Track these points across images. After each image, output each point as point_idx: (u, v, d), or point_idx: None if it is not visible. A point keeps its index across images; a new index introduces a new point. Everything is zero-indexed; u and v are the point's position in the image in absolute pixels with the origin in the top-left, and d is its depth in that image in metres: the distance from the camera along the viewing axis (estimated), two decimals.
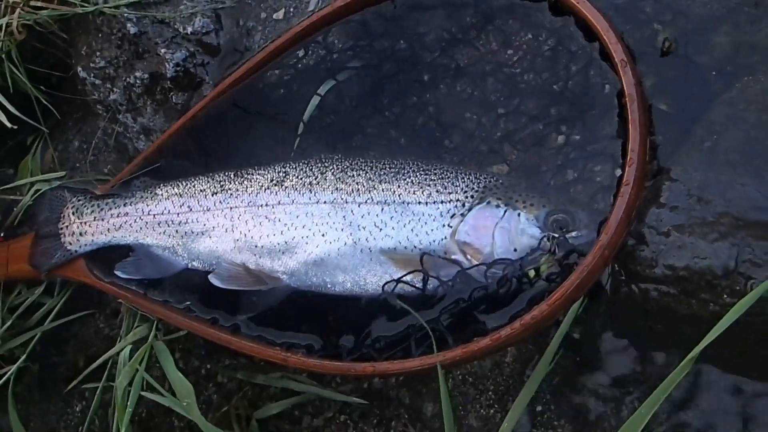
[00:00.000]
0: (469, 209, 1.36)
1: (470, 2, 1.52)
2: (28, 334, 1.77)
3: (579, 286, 1.16)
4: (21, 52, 1.87)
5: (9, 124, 1.82)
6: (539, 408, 1.40)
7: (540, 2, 1.43)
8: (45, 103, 1.91)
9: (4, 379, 1.72)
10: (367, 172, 1.44)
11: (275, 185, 1.49)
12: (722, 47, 1.34)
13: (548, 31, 1.47)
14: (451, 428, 1.23)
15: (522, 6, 1.48)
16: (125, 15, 1.77)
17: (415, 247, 1.36)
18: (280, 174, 1.50)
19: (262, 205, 1.48)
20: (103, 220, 1.62)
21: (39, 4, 1.82)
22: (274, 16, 1.75)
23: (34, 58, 1.93)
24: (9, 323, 1.75)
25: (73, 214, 1.65)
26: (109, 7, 1.78)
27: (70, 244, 1.64)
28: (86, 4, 1.80)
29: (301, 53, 1.62)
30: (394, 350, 1.28)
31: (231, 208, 1.51)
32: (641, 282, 1.23)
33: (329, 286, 1.42)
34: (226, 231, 1.50)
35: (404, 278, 1.33)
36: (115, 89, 1.86)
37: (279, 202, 1.47)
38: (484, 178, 1.40)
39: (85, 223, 1.63)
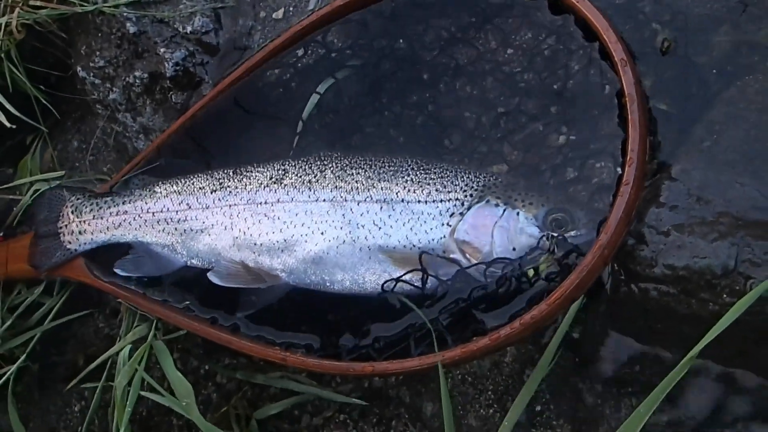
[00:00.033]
0: (468, 208, 1.36)
1: (470, 0, 1.52)
2: (28, 333, 1.77)
3: (579, 285, 1.16)
4: (20, 51, 1.87)
5: (8, 124, 1.82)
6: (538, 408, 1.40)
7: (539, 0, 1.43)
8: (44, 102, 1.91)
9: (4, 378, 1.72)
10: (366, 171, 1.44)
11: (274, 183, 1.49)
12: (722, 47, 1.33)
13: (548, 30, 1.46)
14: (451, 427, 1.23)
15: (521, 5, 1.47)
16: (125, 14, 1.77)
17: (414, 245, 1.36)
18: (280, 172, 1.50)
19: (261, 203, 1.48)
20: (102, 218, 1.62)
21: (38, 3, 1.82)
22: (274, 16, 1.75)
23: (33, 57, 1.93)
24: (9, 323, 1.75)
25: (72, 212, 1.65)
26: (109, 7, 1.78)
27: (70, 243, 1.64)
28: (85, 4, 1.80)
29: (300, 52, 1.62)
30: (394, 350, 1.28)
31: (230, 205, 1.51)
32: (641, 281, 1.23)
33: (328, 284, 1.42)
34: (225, 229, 1.50)
35: (403, 277, 1.33)
36: (114, 89, 1.86)
37: (278, 200, 1.47)
38: (483, 176, 1.39)
39: (84, 221, 1.63)
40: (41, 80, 1.93)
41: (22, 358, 1.74)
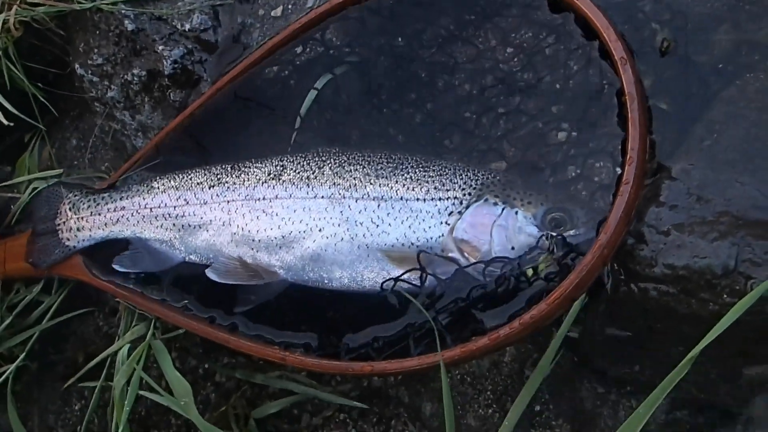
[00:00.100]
0: (467, 207, 1.35)
1: None
2: (27, 332, 1.77)
3: (578, 285, 1.16)
4: (18, 49, 1.87)
5: (6, 122, 1.81)
6: (538, 408, 1.40)
7: None
8: (42, 100, 1.90)
9: (3, 377, 1.72)
10: (364, 167, 1.43)
11: (273, 179, 1.48)
12: (722, 46, 1.33)
13: (548, 28, 1.46)
14: (451, 426, 1.23)
15: (521, 3, 1.47)
16: (123, 12, 1.76)
17: (412, 244, 1.36)
18: (278, 168, 1.49)
19: (259, 199, 1.48)
20: (99, 214, 1.61)
21: (36, 0, 1.81)
22: (272, 13, 1.74)
23: (31, 55, 1.92)
24: (8, 322, 1.75)
25: (69, 209, 1.65)
26: (107, 4, 1.77)
27: (68, 240, 1.64)
28: (83, 1, 1.79)
29: (299, 50, 1.62)
30: (393, 349, 1.28)
31: (228, 201, 1.50)
32: (641, 281, 1.22)
33: (326, 281, 1.41)
34: (224, 224, 1.50)
35: (402, 276, 1.33)
36: (112, 86, 1.85)
37: (276, 196, 1.46)
38: (482, 175, 1.39)
39: (82, 218, 1.62)
40: (39, 78, 1.93)
41: (21, 356, 1.74)
